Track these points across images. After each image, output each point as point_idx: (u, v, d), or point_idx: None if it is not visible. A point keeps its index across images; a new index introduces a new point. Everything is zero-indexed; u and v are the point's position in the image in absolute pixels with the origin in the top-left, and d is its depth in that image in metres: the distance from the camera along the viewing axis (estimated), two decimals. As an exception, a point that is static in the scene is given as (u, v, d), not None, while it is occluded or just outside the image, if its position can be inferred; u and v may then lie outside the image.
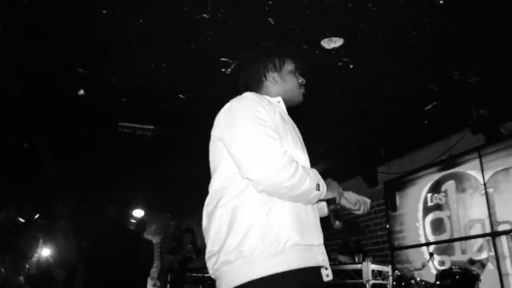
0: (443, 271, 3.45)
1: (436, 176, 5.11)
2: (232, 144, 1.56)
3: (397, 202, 5.70)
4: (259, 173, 1.46)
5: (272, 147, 1.50)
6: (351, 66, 3.69)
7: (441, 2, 2.88)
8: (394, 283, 3.77)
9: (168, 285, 5.70)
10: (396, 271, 4.10)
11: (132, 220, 8.54)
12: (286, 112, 1.88)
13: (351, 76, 3.84)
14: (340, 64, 3.64)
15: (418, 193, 5.34)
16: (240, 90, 1.83)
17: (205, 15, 3.01)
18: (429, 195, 5.19)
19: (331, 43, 3.34)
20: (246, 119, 1.57)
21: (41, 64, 3.62)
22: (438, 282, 3.35)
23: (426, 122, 4.82)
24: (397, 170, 6.00)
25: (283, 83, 1.88)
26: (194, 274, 5.58)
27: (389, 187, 5.89)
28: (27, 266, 4.45)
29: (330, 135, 5.27)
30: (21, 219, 5.38)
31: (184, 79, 3.91)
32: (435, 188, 5.10)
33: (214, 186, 1.63)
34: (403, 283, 3.63)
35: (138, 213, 8.18)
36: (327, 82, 3.96)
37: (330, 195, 1.67)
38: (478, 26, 3.17)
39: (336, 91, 4.15)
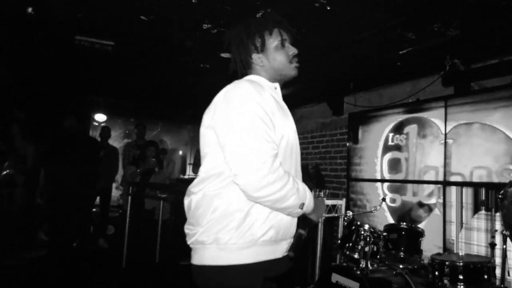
0: (391, 225, 3.58)
1: (400, 118, 5.11)
2: (225, 144, 1.54)
3: (359, 135, 5.75)
4: (246, 183, 1.47)
5: (264, 157, 1.46)
6: (328, 8, 3.42)
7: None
8: (345, 223, 3.92)
9: (130, 197, 5.78)
10: (349, 212, 4.24)
11: (95, 123, 8.40)
12: (281, 97, 1.81)
13: (327, 17, 3.58)
14: (316, 4, 3.36)
15: (381, 130, 5.38)
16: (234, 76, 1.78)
17: None
18: (390, 134, 5.23)
19: (309, -16, 3.04)
20: (240, 117, 1.52)
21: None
22: (385, 234, 3.49)
23: (398, 64, 4.68)
24: (364, 103, 5.97)
25: (270, 63, 1.78)
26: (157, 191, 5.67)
27: (354, 119, 5.89)
28: None
29: (301, 64, 5.08)
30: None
31: (146, 2, 3.56)
32: (398, 129, 5.13)
33: (203, 173, 1.65)
34: (353, 227, 3.75)
35: (100, 117, 7.99)
36: (302, 19, 3.69)
37: (312, 217, 1.74)
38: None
39: (310, 29, 3.89)
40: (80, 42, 4.55)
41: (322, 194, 4.55)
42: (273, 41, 1.77)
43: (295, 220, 1.73)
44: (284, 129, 1.63)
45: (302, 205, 1.60)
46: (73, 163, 5.77)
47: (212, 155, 1.62)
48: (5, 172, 5.12)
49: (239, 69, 1.82)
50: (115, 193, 8.21)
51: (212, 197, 1.58)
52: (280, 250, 1.68)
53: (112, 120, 8.43)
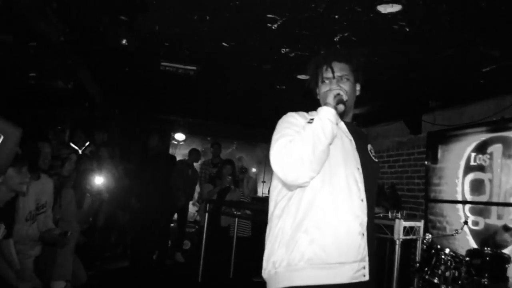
0: (474, 250, 3.46)
1: (483, 137, 4.91)
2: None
3: (439, 155, 5.58)
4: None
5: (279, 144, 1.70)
6: (407, 30, 3.42)
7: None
8: (425, 247, 3.82)
9: (207, 214, 6.00)
10: (428, 235, 4.13)
11: (174, 142, 8.84)
12: (346, 128, 1.93)
13: (406, 38, 3.58)
14: (395, 27, 3.38)
15: (462, 150, 5.19)
16: None
17: (252, -24, 2.81)
18: (473, 154, 5.03)
19: (388, 7, 3.08)
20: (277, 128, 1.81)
21: (84, 9, 3.56)
22: (467, 259, 3.37)
23: (481, 81, 4.52)
24: (443, 121, 5.79)
25: (320, 98, 1.99)
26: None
27: (433, 138, 5.73)
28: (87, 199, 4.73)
29: (378, 83, 5.07)
30: (72, 145, 5.69)
31: (228, 31, 3.77)
32: (481, 148, 4.93)
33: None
34: (433, 251, 3.66)
35: (179, 136, 8.41)
36: (379, 41, 3.72)
37: (329, 106, 1.75)
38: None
39: (389, 49, 3.90)
40: (165, 67, 4.89)
41: (399, 215, 4.50)
42: (320, 77, 1.98)
43: (357, 239, 1.71)
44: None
45: (311, 121, 1.68)
46: (156, 180, 6.14)
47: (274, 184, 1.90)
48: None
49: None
50: (192, 209, 8.54)
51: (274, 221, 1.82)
52: (342, 276, 1.65)
53: (190, 139, 8.82)
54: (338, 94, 1.75)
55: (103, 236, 6.38)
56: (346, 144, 1.84)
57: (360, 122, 6.94)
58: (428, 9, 3.04)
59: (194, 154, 7.62)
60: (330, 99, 1.75)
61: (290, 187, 1.71)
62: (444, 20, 3.21)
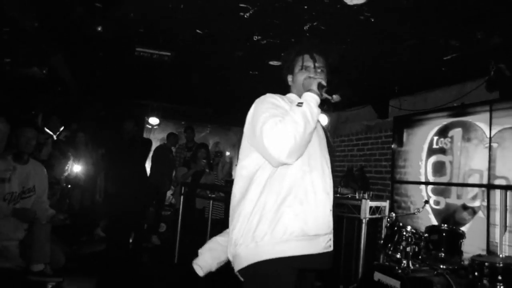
0: (432, 226, 3.72)
1: (445, 121, 5.19)
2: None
3: (404, 138, 5.85)
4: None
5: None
6: (372, 20, 3.60)
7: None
8: (388, 225, 4.07)
9: (182, 197, 6.14)
10: (392, 214, 4.38)
11: (148, 126, 8.88)
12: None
13: (371, 28, 3.77)
14: (361, 17, 3.55)
15: (425, 134, 5.47)
16: None
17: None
18: (435, 137, 5.32)
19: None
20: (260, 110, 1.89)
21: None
22: (426, 235, 3.64)
23: (443, 69, 4.77)
24: (409, 106, 6.06)
25: (294, 83, 2.15)
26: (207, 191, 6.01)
27: (399, 122, 6.00)
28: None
29: (345, 71, 5.27)
30: (47, 130, 5.71)
31: (202, 18, 3.87)
32: (442, 132, 5.21)
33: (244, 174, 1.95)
34: (395, 228, 3.90)
35: (153, 120, 8.46)
36: (346, 30, 3.89)
37: (314, 92, 1.93)
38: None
39: (356, 39, 4.09)
40: (140, 53, 4.94)
41: (366, 195, 4.76)
42: (298, 65, 2.14)
43: (325, 214, 1.89)
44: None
45: (300, 104, 1.84)
46: (132, 164, 6.20)
47: (249, 160, 1.97)
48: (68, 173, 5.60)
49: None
50: (167, 192, 8.64)
51: (251, 199, 1.93)
52: (316, 247, 1.84)
53: (164, 123, 8.88)
54: (321, 83, 1.94)
55: (79, 221, 6.44)
56: (318, 128, 2.07)
57: (331, 106, 7.15)
58: (391, 2, 3.22)
59: (172, 138, 7.72)
60: (314, 86, 1.93)
61: (277, 164, 1.81)
62: (406, 13, 3.40)
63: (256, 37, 4.20)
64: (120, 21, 4.04)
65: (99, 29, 3.74)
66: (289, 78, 2.17)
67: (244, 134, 1.97)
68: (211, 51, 4.82)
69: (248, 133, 1.91)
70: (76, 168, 5.46)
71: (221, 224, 6.29)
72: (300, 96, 2.00)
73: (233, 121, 8.98)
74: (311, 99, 1.86)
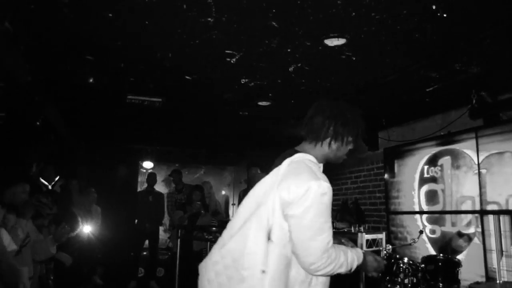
0: (428, 256, 3.73)
1: (434, 150, 5.29)
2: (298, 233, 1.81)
3: (396, 169, 5.93)
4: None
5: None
6: (354, 59, 3.75)
7: (444, 15, 2.91)
8: (385, 256, 4.08)
9: (179, 240, 6.12)
10: (388, 245, 4.40)
11: (143, 170, 8.94)
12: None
13: (354, 66, 3.92)
14: (342, 57, 3.70)
15: (416, 163, 5.56)
16: (299, 131, 2.06)
17: (209, 19, 3.05)
18: (426, 167, 5.40)
19: (335, 41, 3.39)
20: (315, 223, 1.78)
21: (50, 50, 3.73)
22: (423, 265, 3.65)
23: (427, 100, 4.92)
24: (398, 137, 6.18)
25: (337, 151, 2.00)
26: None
27: (389, 153, 6.09)
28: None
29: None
30: (42, 180, 5.74)
31: (190, 65, 4.02)
32: (432, 161, 5.31)
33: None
34: (392, 260, 3.91)
35: (148, 164, 8.52)
36: (330, 69, 4.04)
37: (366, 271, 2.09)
38: (479, 31, 3.20)
39: (338, 77, 4.23)
40: (131, 100, 5.07)
41: (362, 228, 4.79)
42: (350, 141, 2.00)
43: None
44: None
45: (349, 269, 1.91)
46: (123, 210, 6.24)
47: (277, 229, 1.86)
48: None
49: (309, 134, 2.00)
50: (163, 235, 8.60)
51: None
52: None
53: (159, 166, 8.94)
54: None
55: (76, 270, 6.38)
56: None
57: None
58: (370, 41, 3.37)
59: (150, 178, 7.72)
60: (373, 271, 2.07)
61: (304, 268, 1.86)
62: (384, 48, 3.55)
63: (244, 80, 4.33)
64: (111, 72, 4.17)
65: (91, 80, 3.85)
66: (330, 144, 1.98)
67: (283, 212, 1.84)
68: (201, 95, 4.95)
69: (296, 229, 1.80)
70: (86, 228, 5.51)
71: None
72: (319, 160, 2.00)
73: (227, 160, 9.06)
74: (356, 264, 1.95)
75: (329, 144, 1.96)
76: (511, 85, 4.39)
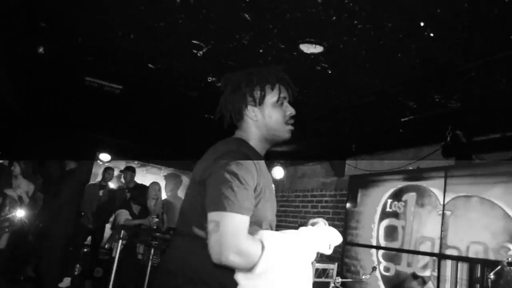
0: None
1: (400, 184, 5.06)
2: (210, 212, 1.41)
3: (358, 199, 5.67)
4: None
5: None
6: (330, 72, 3.48)
7: (431, 35, 2.66)
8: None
9: (120, 241, 5.69)
10: (338, 279, 4.12)
11: (99, 162, 8.45)
12: (267, 171, 1.66)
13: (329, 80, 3.65)
14: (318, 68, 3.43)
15: (380, 195, 5.31)
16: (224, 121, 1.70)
17: (176, -1, 2.73)
18: (389, 200, 5.16)
19: (311, 48, 3.11)
20: (229, 195, 1.38)
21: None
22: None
23: (401, 130, 4.69)
24: (366, 166, 5.94)
25: (264, 119, 1.65)
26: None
27: (354, 181, 5.84)
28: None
29: (304, 123, 5.13)
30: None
31: (154, 52, 3.67)
32: (397, 195, 5.07)
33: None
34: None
35: (104, 157, 8.05)
36: (303, 80, 3.76)
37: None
38: (466, 61, 2.98)
39: (311, 90, 3.96)
40: (90, 83, 4.67)
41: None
42: (272, 97, 1.65)
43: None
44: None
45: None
46: (70, 202, 5.80)
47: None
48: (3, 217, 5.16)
49: (228, 117, 1.69)
50: (107, 234, 8.14)
51: None
52: None
53: (116, 161, 8.46)
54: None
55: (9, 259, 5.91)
56: (273, 194, 1.67)
57: (288, 160, 7.00)
58: (348, 53, 3.11)
59: (106, 172, 7.29)
60: (326, 249, 1.56)
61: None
62: (364, 67, 3.30)
63: (211, 78, 4.01)
64: (67, 46, 3.79)
65: (41, 50, 3.46)
66: (252, 111, 1.65)
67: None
68: (165, 89, 4.60)
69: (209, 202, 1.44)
70: (19, 213, 5.07)
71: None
72: (262, 139, 1.67)
73: (187, 165, 8.66)
74: (311, 255, 1.52)
75: (250, 107, 1.65)
76: (488, 127, 4.22)
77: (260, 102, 1.64)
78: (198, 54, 3.51)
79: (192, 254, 1.48)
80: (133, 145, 8.05)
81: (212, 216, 1.38)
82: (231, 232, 1.34)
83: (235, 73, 1.74)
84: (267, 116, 1.64)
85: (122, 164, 8.75)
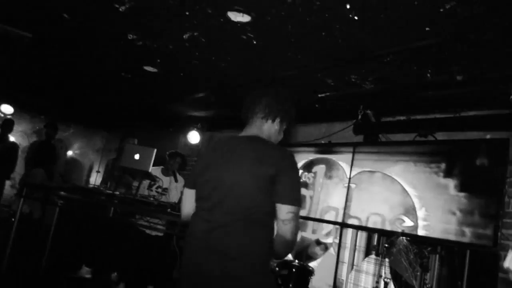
0: (283, 261, 3.64)
1: (311, 157, 5.29)
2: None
3: (272, 168, 5.84)
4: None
5: None
6: (254, 42, 3.49)
7: (355, 18, 2.77)
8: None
9: (22, 199, 5.36)
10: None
11: (0, 114, 7.79)
12: None
13: (253, 50, 3.66)
14: (243, 37, 3.42)
15: (292, 166, 5.51)
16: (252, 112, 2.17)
17: None
18: (300, 171, 5.38)
19: (239, 16, 3.09)
20: (300, 193, 1.98)
21: None
22: (277, 269, 3.54)
23: (316, 105, 4.87)
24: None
25: (279, 135, 2.27)
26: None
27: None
28: None
29: (222, 90, 5.12)
30: None
31: (72, 1, 3.41)
32: (308, 167, 5.30)
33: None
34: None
35: (7, 109, 7.43)
36: (228, 48, 3.74)
37: None
38: (385, 44, 3.14)
39: (235, 59, 3.95)
40: (-5, 28, 4.25)
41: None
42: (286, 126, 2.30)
43: None
44: None
45: None
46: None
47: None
48: None
49: (266, 111, 2.17)
50: (10, 191, 7.64)
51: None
52: None
53: (20, 114, 7.86)
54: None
55: None
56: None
57: (204, 126, 6.98)
58: (275, 26, 3.14)
59: (5, 124, 6.80)
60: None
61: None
62: (288, 40, 3.35)
63: (132, 36, 3.83)
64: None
65: None
66: (280, 125, 2.23)
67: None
68: (79, 42, 4.32)
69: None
70: None
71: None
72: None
73: (100, 124, 8.30)
74: None
75: (277, 122, 2.19)
76: (396, 110, 4.51)
77: (287, 124, 2.29)
78: (120, 9, 3.33)
79: (256, 240, 1.85)
80: (40, 100, 7.51)
81: (291, 208, 1.86)
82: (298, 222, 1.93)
83: (281, 92, 2.30)
84: (279, 134, 2.28)
85: (25, 119, 8.19)
